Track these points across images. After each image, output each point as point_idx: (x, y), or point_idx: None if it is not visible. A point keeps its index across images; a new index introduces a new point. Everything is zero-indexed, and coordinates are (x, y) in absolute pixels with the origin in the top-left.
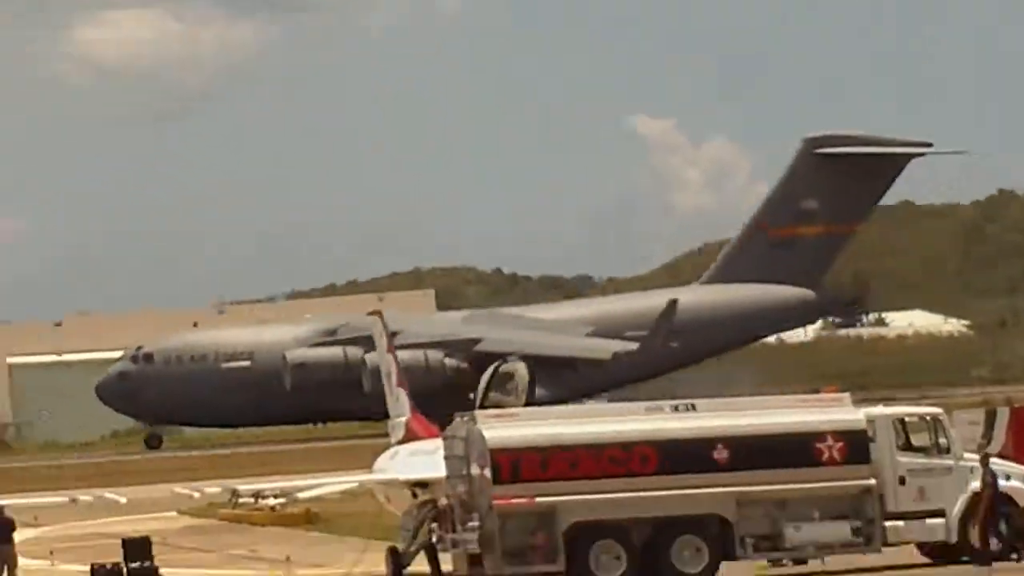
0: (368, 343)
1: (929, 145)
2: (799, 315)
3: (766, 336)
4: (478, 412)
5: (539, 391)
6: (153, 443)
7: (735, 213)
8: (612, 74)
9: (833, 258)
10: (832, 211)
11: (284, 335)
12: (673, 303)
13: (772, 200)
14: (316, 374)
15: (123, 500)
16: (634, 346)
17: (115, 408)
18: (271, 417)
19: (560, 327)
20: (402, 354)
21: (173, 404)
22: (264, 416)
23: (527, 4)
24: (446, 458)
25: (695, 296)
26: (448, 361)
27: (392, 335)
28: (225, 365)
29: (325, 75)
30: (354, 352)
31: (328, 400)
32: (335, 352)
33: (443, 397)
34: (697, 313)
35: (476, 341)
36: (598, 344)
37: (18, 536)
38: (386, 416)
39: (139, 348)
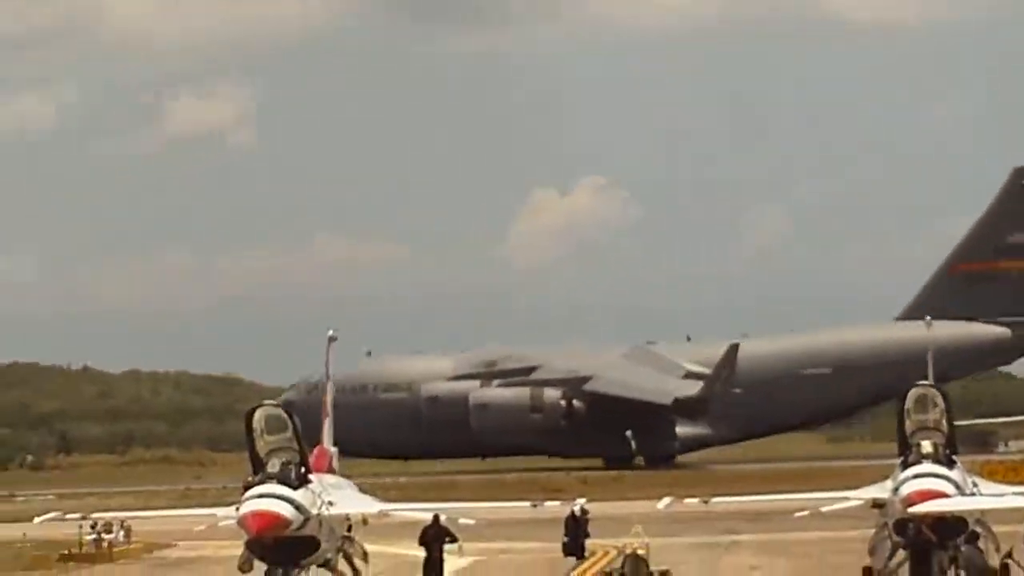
0: (523, 374)
1: None
2: (992, 355)
3: (958, 377)
4: None
5: (701, 430)
6: None
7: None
8: None
9: None
10: None
11: (444, 366)
12: (734, 347)
13: (973, 234)
14: (447, 409)
15: None
16: (694, 390)
17: None
18: (411, 450)
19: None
20: (511, 391)
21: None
22: (405, 449)
23: None
24: None
25: (880, 334)
26: (563, 400)
27: (531, 369)
28: (383, 396)
29: None
30: (523, 392)
31: (452, 435)
32: (466, 386)
33: (561, 436)
34: (881, 351)
35: (586, 379)
36: (660, 388)
37: None
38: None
39: (309, 377)
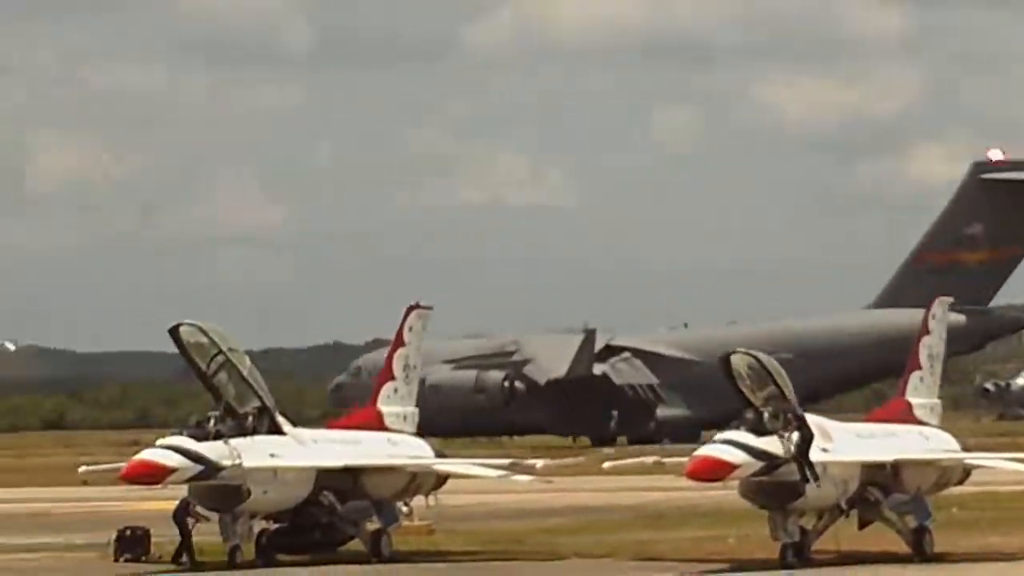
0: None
1: None
2: (948, 342)
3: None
4: None
5: (679, 412)
6: None
7: None
8: None
9: (999, 284)
10: (996, 237)
11: (461, 350)
12: (591, 332)
13: (936, 225)
14: (437, 393)
15: None
16: (561, 373)
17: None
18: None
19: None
20: (460, 373)
21: None
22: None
23: None
24: None
25: (843, 321)
26: (505, 382)
27: (510, 354)
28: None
29: None
30: (471, 374)
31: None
32: (445, 371)
33: (506, 417)
34: (843, 339)
35: (526, 362)
36: (541, 369)
37: None
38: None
39: (356, 360)
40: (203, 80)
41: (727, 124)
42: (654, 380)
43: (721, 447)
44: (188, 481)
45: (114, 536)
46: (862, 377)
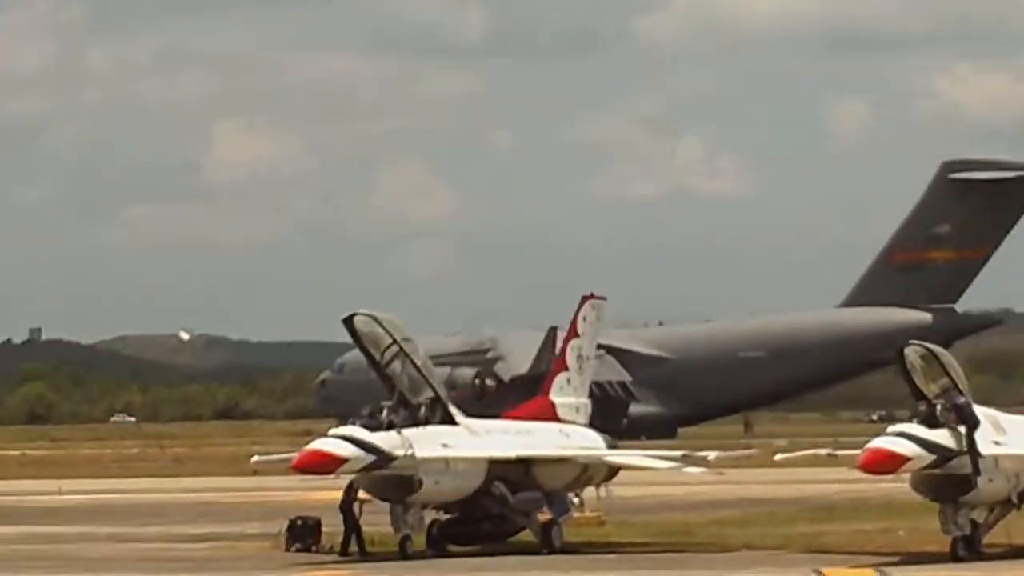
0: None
1: None
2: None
3: (883, 362)
4: None
5: (653, 410)
6: None
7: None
8: None
9: (966, 283)
10: (965, 236)
11: (441, 347)
12: (552, 330)
13: (907, 224)
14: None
15: None
16: (524, 370)
17: (320, 409)
18: None
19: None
20: (437, 370)
21: (354, 407)
22: None
23: None
24: None
25: (807, 319)
26: (476, 380)
27: (487, 351)
28: None
29: None
30: (443, 371)
31: None
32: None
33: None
34: (800, 337)
35: (499, 359)
36: (509, 366)
37: None
38: None
39: (340, 358)
40: (382, 72)
41: (901, 115)
42: (626, 377)
43: (893, 439)
44: (360, 471)
45: (285, 526)
46: (824, 377)
